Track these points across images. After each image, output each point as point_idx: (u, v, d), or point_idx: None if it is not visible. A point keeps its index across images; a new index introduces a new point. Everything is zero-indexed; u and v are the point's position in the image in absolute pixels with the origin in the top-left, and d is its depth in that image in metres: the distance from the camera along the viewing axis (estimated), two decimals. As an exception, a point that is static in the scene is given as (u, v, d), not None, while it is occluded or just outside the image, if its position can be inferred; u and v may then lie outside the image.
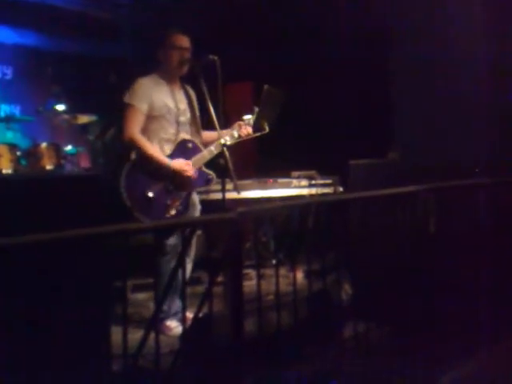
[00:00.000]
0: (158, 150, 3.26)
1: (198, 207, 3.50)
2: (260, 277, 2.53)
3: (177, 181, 3.25)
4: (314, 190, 4.26)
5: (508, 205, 3.23)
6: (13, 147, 4.58)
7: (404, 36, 3.90)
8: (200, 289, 3.97)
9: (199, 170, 3.34)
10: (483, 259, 3.15)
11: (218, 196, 3.70)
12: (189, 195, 3.33)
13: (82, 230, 1.68)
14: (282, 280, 2.52)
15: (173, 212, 3.22)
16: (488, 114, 3.63)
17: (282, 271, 4.02)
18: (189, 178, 3.26)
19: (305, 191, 4.27)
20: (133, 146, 3.22)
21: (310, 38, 5.41)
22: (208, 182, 3.38)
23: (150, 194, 3.17)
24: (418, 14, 3.83)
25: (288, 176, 4.37)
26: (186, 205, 3.29)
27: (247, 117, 3.44)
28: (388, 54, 4.08)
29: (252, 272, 4.15)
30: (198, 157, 3.33)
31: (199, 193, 3.59)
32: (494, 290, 3.08)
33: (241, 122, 3.42)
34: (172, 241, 3.21)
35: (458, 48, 3.64)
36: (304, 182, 4.29)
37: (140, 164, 3.22)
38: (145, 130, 3.29)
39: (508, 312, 2.98)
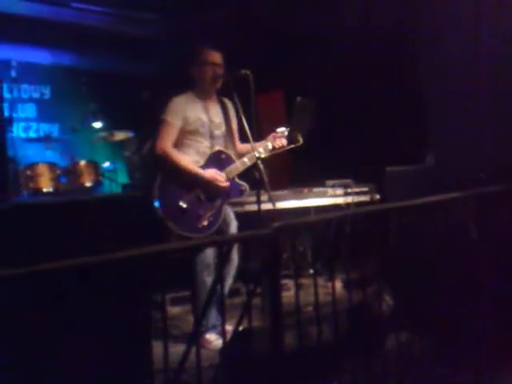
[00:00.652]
0: (190, 161, 3.31)
1: (234, 223, 3.48)
2: (298, 287, 2.51)
3: (209, 191, 3.29)
4: (350, 199, 4.21)
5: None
6: (52, 166, 4.73)
7: (432, 36, 3.83)
8: (238, 300, 3.98)
9: (232, 182, 3.37)
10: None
11: (254, 208, 3.72)
12: (221, 206, 3.34)
13: (119, 254, 1.71)
14: (320, 290, 2.50)
15: (205, 223, 3.25)
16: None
17: (320, 281, 3.98)
18: (221, 187, 3.29)
19: (340, 200, 4.23)
20: (165, 157, 3.29)
21: (340, 42, 5.37)
22: (241, 193, 3.41)
23: (183, 205, 3.21)
24: (447, 10, 3.76)
25: (323, 185, 4.34)
26: (218, 216, 3.31)
27: (281, 129, 3.45)
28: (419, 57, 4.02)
29: (290, 282, 4.13)
30: (231, 167, 3.36)
31: (234, 205, 3.60)
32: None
33: (275, 134, 3.43)
34: (203, 257, 3.23)
35: (490, 44, 3.56)
36: (339, 191, 4.24)
37: (172, 175, 3.27)
38: (180, 145, 3.37)
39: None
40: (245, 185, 3.41)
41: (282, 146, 3.41)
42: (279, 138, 3.41)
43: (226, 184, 3.31)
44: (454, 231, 2.74)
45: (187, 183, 3.26)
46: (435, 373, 2.54)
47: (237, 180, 3.40)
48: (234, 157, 3.43)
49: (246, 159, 3.35)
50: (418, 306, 2.68)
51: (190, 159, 3.33)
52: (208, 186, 3.28)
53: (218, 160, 3.38)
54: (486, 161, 3.36)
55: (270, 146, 3.38)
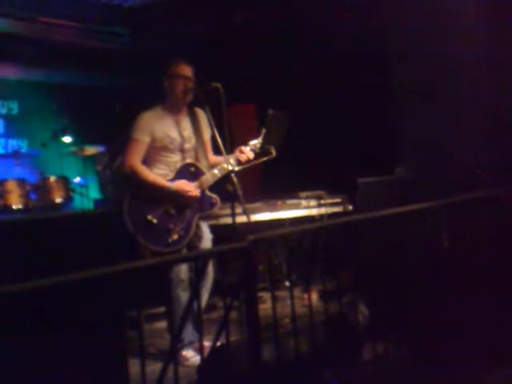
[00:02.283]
0: (158, 176, 3.31)
1: (209, 236, 3.46)
2: (274, 299, 2.51)
3: (179, 204, 3.28)
4: (323, 210, 4.24)
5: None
6: (22, 182, 4.64)
7: (404, 48, 3.91)
8: (215, 315, 3.95)
9: (203, 194, 3.36)
10: (499, 271, 3.13)
11: (228, 220, 3.71)
12: (192, 220, 3.32)
13: (93, 271, 1.68)
14: (296, 301, 2.50)
15: (175, 237, 3.24)
16: (490, 121, 3.62)
17: (296, 292, 3.99)
18: (191, 198, 3.28)
19: (314, 211, 4.25)
20: (133, 174, 3.29)
21: (312, 56, 5.44)
22: (212, 205, 3.39)
23: (152, 219, 3.21)
24: (415, 24, 3.84)
25: (296, 197, 4.36)
26: (188, 229, 3.30)
27: (253, 142, 3.45)
28: (390, 68, 4.09)
29: (266, 295, 4.13)
30: (201, 180, 3.35)
31: (208, 218, 3.58)
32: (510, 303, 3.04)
33: (242, 148, 3.43)
34: (177, 272, 3.21)
35: (458, 55, 3.64)
36: (313, 203, 4.27)
37: (141, 190, 3.27)
38: (151, 160, 3.36)
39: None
40: (216, 197, 3.39)
41: (248, 160, 3.41)
42: (245, 152, 3.40)
43: (195, 192, 3.30)
44: (426, 240, 2.78)
45: (156, 198, 3.25)
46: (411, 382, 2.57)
47: (207, 192, 3.39)
48: (204, 169, 3.42)
49: (216, 171, 3.35)
50: (392, 315, 2.71)
51: (159, 173, 3.33)
52: (177, 199, 3.27)
53: (187, 173, 3.37)
54: (457, 170, 3.44)
55: (240, 158, 3.38)
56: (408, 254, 2.74)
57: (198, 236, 3.39)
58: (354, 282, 2.75)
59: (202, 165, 3.44)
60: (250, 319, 2.02)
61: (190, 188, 3.28)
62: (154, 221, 3.21)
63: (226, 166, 3.24)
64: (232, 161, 3.30)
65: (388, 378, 2.50)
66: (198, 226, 3.40)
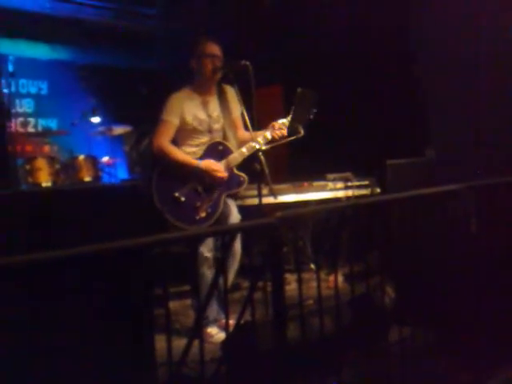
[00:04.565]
0: (186, 154, 3.34)
1: (236, 216, 3.44)
2: (300, 279, 2.50)
3: (206, 182, 3.29)
4: (350, 192, 4.20)
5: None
6: (51, 160, 4.69)
7: (433, 30, 3.82)
8: (238, 295, 3.97)
9: (231, 173, 3.36)
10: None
11: (254, 201, 3.70)
12: (219, 198, 3.34)
13: (121, 242, 1.68)
14: (320, 284, 2.49)
15: (203, 214, 3.26)
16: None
17: (320, 275, 3.97)
18: (218, 178, 3.28)
19: (341, 193, 4.22)
20: (161, 153, 3.32)
21: (340, 36, 5.36)
22: (240, 184, 3.40)
23: (180, 196, 3.24)
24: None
25: (323, 178, 4.32)
26: (216, 207, 3.31)
27: (281, 120, 3.43)
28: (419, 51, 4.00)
29: (290, 277, 4.12)
30: (228, 159, 3.35)
31: (234, 199, 3.57)
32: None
33: (275, 123, 3.41)
34: (201, 250, 3.22)
35: (490, 40, 3.54)
36: (340, 185, 4.23)
37: (170, 168, 3.30)
38: (180, 142, 3.40)
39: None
40: (243, 176, 3.40)
41: (283, 137, 3.39)
42: (279, 128, 3.38)
43: (222, 173, 3.30)
44: (454, 224, 2.73)
45: (184, 176, 3.29)
46: (437, 367, 2.53)
47: (235, 171, 3.40)
48: (232, 148, 3.42)
49: (244, 149, 3.34)
50: (419, 299, 2.67)
51: (188, 153, 3.36)
52: (205, 178, 3.29)
53: (215, 151, 3.39)
54: (486, 153, 3.35)
55: (269, 135, 3.36)
56: (436, 237, 2.69)
57: (226, 214, 3.40)
58: (381, 264, 2.72)
59: (231, 144, 3.44)
60: (276, 293, 2.01)
61: (217, 168, 3.29)
62: (182, 198, 3.24)
63: (254, 144, 3.23)
64: (260, 139, 3.29)
65: (412, 362, 2.47)
66: (226, 204, 3.40)
